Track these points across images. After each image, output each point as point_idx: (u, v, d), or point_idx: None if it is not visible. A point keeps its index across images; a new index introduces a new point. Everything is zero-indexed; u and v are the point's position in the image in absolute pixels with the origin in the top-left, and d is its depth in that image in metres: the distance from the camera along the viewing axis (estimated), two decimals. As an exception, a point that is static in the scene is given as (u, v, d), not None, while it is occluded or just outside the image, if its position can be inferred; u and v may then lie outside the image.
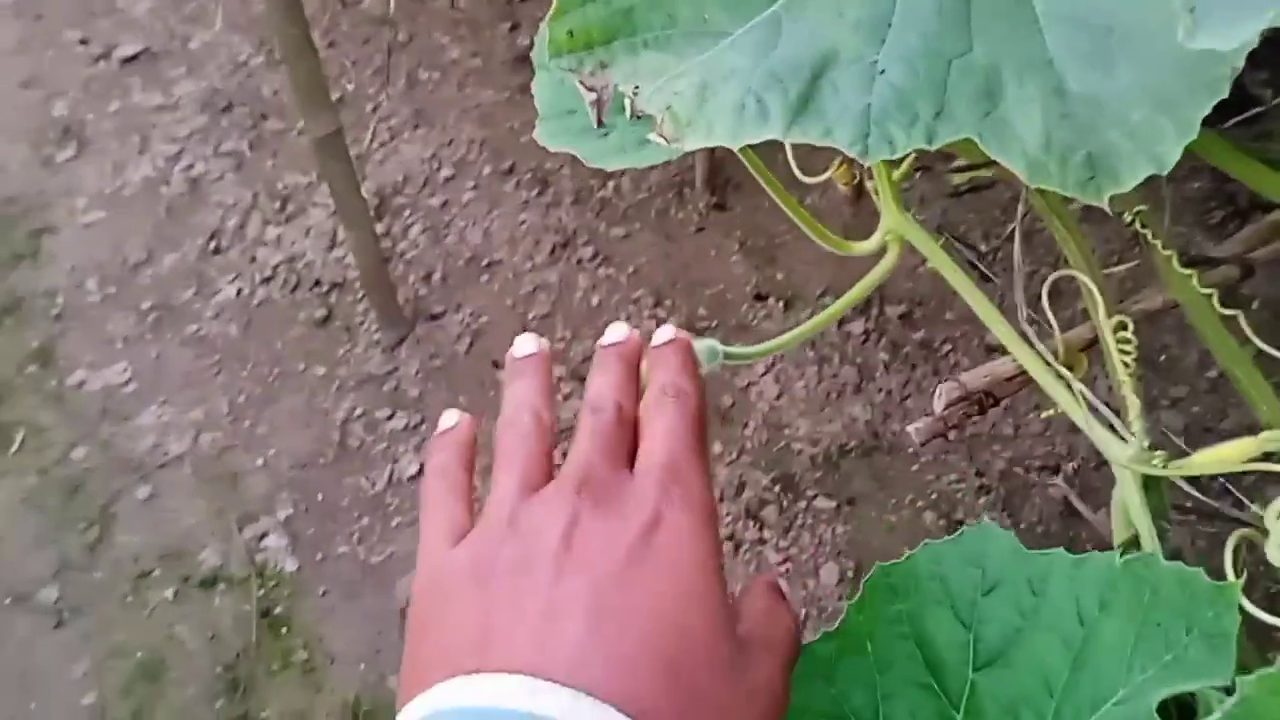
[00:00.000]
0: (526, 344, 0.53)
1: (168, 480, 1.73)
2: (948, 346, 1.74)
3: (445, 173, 2.07)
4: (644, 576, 0.41)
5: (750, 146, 0.49)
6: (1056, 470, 1.56)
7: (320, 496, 1.70)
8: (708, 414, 0.49)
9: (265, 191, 2.04)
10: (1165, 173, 0.47)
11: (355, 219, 1.71)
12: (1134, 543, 0.56)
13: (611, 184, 2.02)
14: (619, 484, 0.44)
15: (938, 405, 0.63)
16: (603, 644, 0.40)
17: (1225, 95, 0.46)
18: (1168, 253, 0.59)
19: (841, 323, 1.81)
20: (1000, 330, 0.56)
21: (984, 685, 0.48)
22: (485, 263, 1.94)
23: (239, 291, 1.92)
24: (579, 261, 1.93)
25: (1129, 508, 0.55)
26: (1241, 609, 0.45)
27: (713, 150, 1.95)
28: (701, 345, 0.61)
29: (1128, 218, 0.58)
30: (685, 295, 1.89)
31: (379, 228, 1.96)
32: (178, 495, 1.71)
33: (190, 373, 1.83)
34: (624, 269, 1.92)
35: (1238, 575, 0.46)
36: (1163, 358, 1.62)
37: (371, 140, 2.11)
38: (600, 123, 0.51)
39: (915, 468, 1.67)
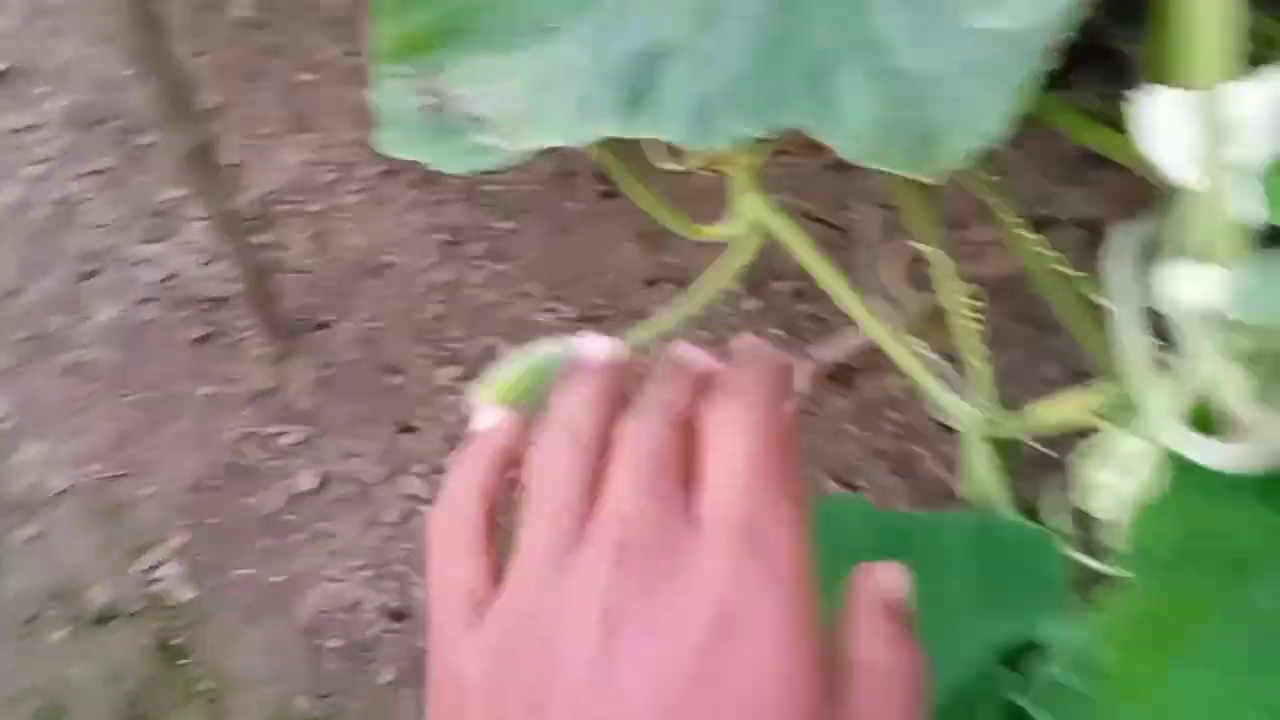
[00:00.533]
0: (591, 346, 0.44)
1: (53, 517, 1.68)
2: (841, 319, 1.76)
3: (328, 177, 2.03)
4: (712, 700, 0.30)
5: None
6: (951, 430, 1.59)
7: (214, 520, 1.67)
8: (797, 446, 0.38)
9: (139, 209, 1.99)
10: (993, 144, 0.48)
11: (230, 231, 1.67)
12: (989, 502, 0.57)
13: (500, 178, 2.00)
14: (674, 545, 0.33)
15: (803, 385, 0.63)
16: None
17: (1051, 65, 0.47)
18: (1014, 219, 0.60)
19: (736, 301, 1.82)
20: (849, 301, 0.57)
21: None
22: (373, 266, 1.91)
23: (116, 314, 1.87)
24: (470, 258, 1.91)
25: (975, 469, 0.56)
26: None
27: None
28: (597, 342, 0.61)
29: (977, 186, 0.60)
30: (579, 285, 1.88)
31: (262, 238, 1.92)
32: (65, 532, 1.66)
33: (70, 403, 1.78)
34: (517, 263, 1.91)
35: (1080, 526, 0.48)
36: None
37: (249, 148, 2.07)
38: (440, 127, 0.50)
39: (815, 438, 1.69)
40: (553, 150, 0.83)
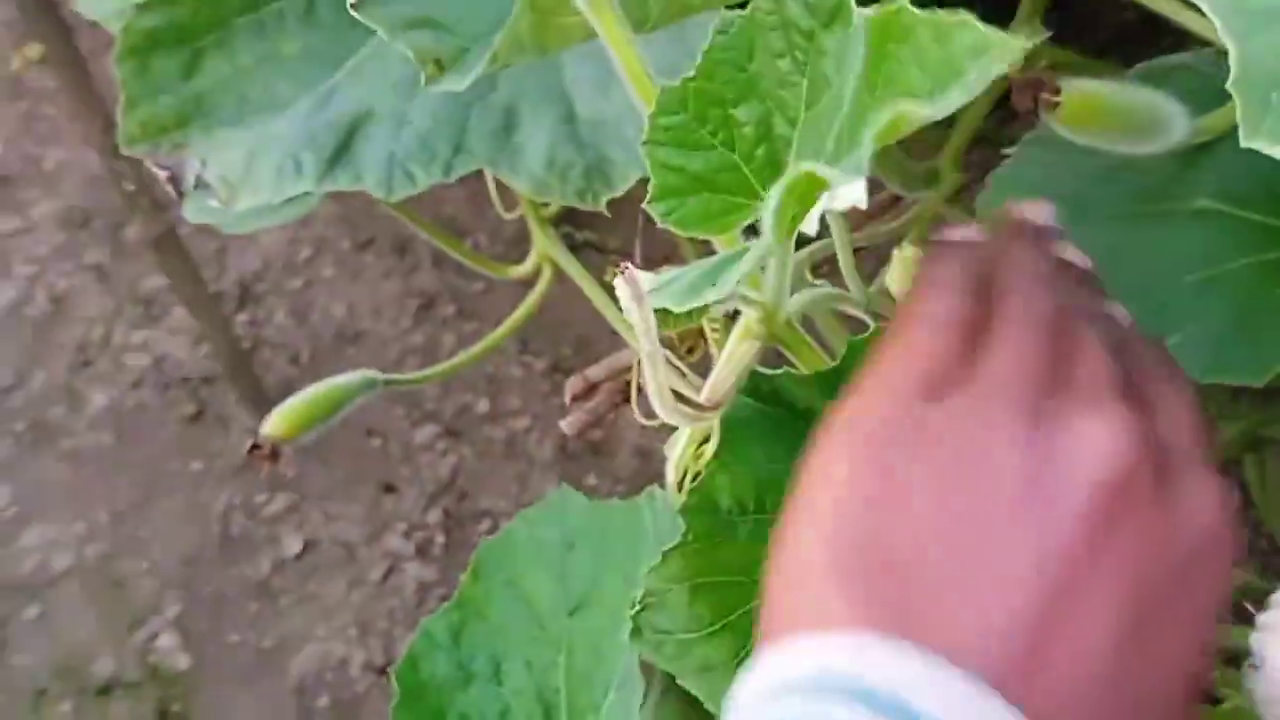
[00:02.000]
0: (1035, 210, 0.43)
1: (56, 596, 1.81)
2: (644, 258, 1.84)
3: (305, 253, 2.17)
4: (1182, 604, 0.34)
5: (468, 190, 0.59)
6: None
7: (207, 590, 1.78)
8: None
9: (128, 298, 2.14)
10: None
11: (205, 312, 1.81)
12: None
13: (468, 242, 2.12)
14: (1161, 444, 0.35)
15: (567, 398, 0.72)
16: (1117, 683, 0.32)
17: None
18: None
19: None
20: (618, 323, 0.66)
21: (577, 628, 0.57)
22: (351, 335, 2.04)
23: (110, 400, 2.01)
24: (443, 320, 2.03)
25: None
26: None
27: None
28: (358, 376, 0.71)
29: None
30: (549, 338, 1.98)
31: (243, 317, 2.06)
32: (68, 610, 1.79)
33: (69, 487, 1.92)
34: (488, 321, 2.02)
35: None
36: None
37: (231, 234, 2.22)
38: (180, 195, 0.61)
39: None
40: (516, 211, 0.93)
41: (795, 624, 0.33)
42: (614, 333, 2.02)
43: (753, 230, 0.41)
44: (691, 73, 0.38)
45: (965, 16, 0.32)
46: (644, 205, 0.40)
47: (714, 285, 0.35)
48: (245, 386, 1.93)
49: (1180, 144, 0.57)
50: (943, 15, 0.32)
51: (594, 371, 0.73)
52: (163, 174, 0.58)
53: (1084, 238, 0.59)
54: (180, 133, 0.60)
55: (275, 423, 0.61)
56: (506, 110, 0.58)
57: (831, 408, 0.37)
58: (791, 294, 0.61)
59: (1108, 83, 0.55)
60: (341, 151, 0.57)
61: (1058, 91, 0.52)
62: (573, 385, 0.73)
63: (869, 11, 0.35)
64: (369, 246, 2.13)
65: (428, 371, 0.72)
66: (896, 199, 0.84)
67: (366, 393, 0.69)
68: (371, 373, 0.69)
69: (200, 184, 0.58)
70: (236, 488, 1.88)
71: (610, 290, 0.67)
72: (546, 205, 0.76)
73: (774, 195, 0.34)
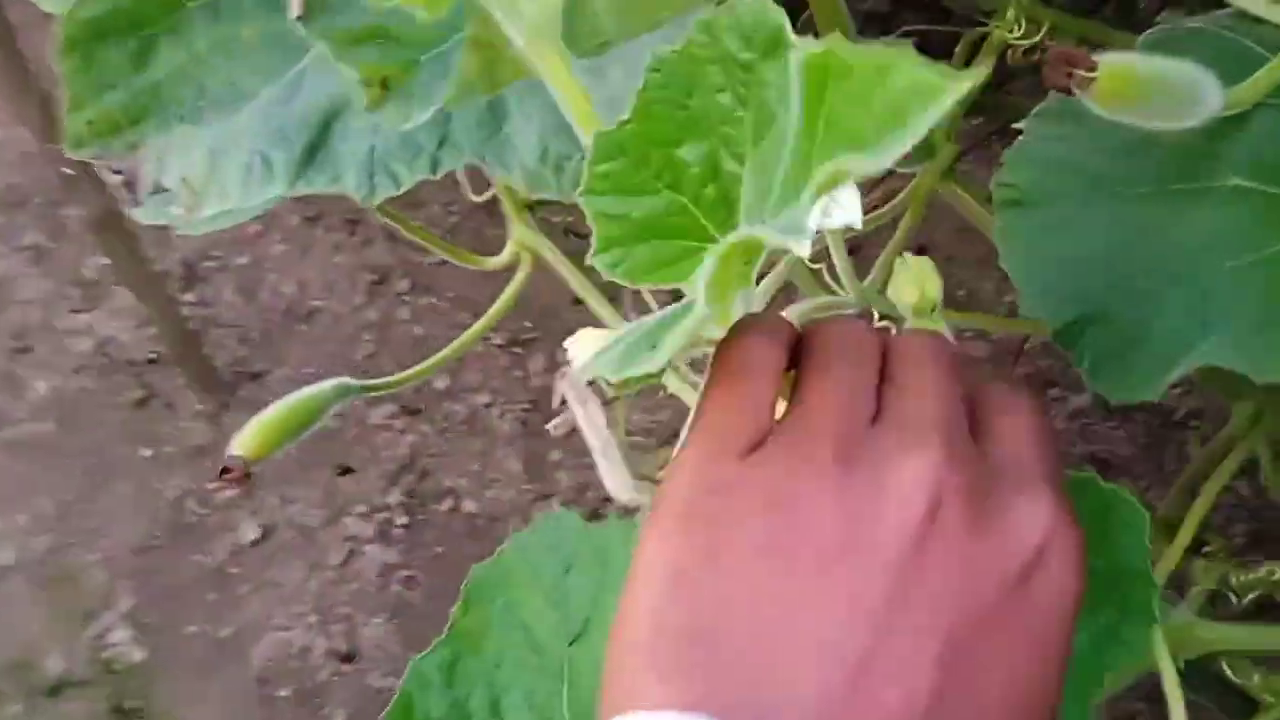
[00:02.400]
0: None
1: (2, 593, 1.74)
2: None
3: (252, 228, 2.09)
4: (1008, 630, 0.34)
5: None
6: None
7: (161, 581, 1.73)
8: None
9: (69, 280, 2.06)
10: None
11: (150, 292, 1.74)
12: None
13: (422, 213, 2.06)
14: (989, 471, 0.35)
15: (555, 400, 0.68)
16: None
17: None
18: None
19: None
20: (607, 315, 0.62)
21: (580, 656, 0.54)
22: (303, 313, 1.97)
23: (53, 387, 1.93)
24: (398, 295, 1.97)
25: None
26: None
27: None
28: (331, 385, 0.66)
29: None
30: (510, 310, 1.93)
31: (189, 296, 1.99)
32: (15, 606, 1.73)
33: (13, 478, 1.85)
34: (444, 295, 1.96)
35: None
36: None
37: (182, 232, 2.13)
38: (139, 203, 0.56)
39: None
40: (477, 179, 0.88)
41: (615, 706, 0.33)
42: (577, 302, 1.98)
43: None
44: (627, 115, 0.35)
45: (904, 51, 0.29)
46: (588, 260, 0.36)
47: (653, 350, 0.31)
48: (194, 369, 1.86)
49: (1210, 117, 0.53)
50: (882, 51, 0.29)
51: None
52: (115, 178, 0.53)
53: (1111, 216, 0.56)
54: (134, 131, 0.54)
55: (245, 442, 0.57)
56: (491, 100, 0.54)
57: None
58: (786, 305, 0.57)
59: (1141, 56, 0.51)
60: (315, 148, 0.53)
61: (1093, 68, 0.48)
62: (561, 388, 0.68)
63: (805, 49, 0.31)
64: (319, 220, 2.06)
65: (402, 375, 0.68)
66: (889, 172, 0.80)
67: (342, 400, 0.65)
68: (346, 380, 0.64)
69: (158, 188, 0.52)
70: (188, 474, 1.81)
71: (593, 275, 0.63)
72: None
73: (706, 265, 0.31)
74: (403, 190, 0.52)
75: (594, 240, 0.37)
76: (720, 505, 0.35)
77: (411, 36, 0.36)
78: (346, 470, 1.80)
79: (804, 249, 0.29)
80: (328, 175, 0.52)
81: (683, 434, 0.40)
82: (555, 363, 1.88)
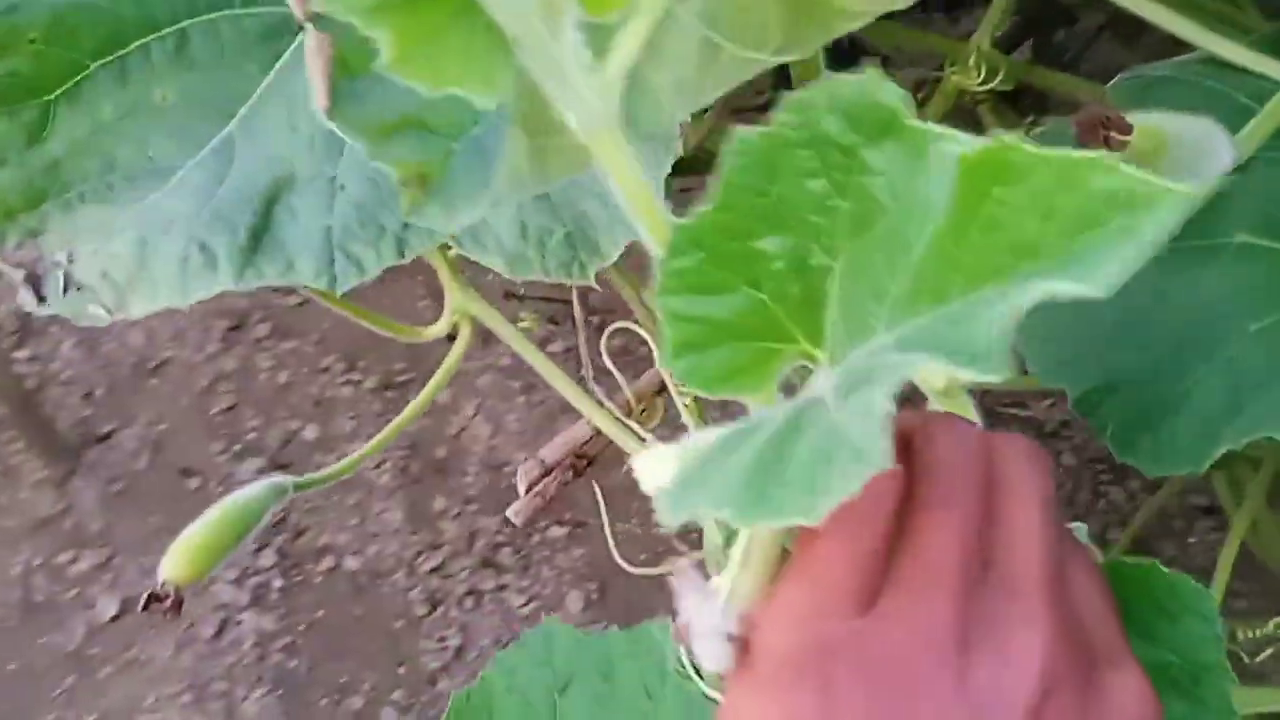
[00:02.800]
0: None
1: None
2: (644, 349, 1.77)
3: (89, 275, 1.95)
4: None
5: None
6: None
7: (12, 666, 1.58)
8: None
9: (-119, 339, 1.87)
10: (641, 238, 0.47)
11: (-18, 354, 1.59)
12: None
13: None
14: (1084, 641, 0.35)
15: (521, 487, 0.63)
16: None
17: (680, 154, 0.47)
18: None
19: (542, 345, 1.81)
20: (569, 392, 0.57)
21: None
22: (153, 365, 1.84)
23: (-128, 460, 1.75)
24: (257, 341, 1.86)
25: (713, 544, 0.56)
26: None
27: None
28: (264, 487, 0.59)
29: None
30: (379, 352, 1.84)
31: (24, 352, 1.83)
32: None
33: None
34: (309, 339, 1.86)
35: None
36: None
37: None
38: (43, 300, 0.47)
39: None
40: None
41: None
42: (449, 339, 1.90)
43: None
44: (707, 205, 0.30)
45: (1101, 155, 0.25)
46: (661, 369, 0.31)
47: (811, 490, 0.25)
48: (34, 431, 1.71)
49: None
50: (1071, 154, 0.25)
51: (549, 453, 0.63)
52: (17, 274, 0.45)
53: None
54: (30, 215, 0.46)
55: (175, 566, 0.49)
56: (457, 168, 0.47)
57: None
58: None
59: (1165, 114, 0.49)
60: (260, 232, 0.45)
61: (1128, 130, 0.45)
62: (527, 472, 0.62)
63: (960, 144, 0.27)
64: (163, 264, 1.93)
65: (340, 465, 0.60)
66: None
67: (278, 503, 0.57)
68: (278, 479, 0.57)
69: (72, 284, 0.44)
70: (35, 547, 1.66)
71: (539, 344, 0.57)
72: (449, 247, 0.65)
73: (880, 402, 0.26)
74: (369, 278, 0.46)
75: (667, 345, 0.31)
76: (831, 669, 0.33)
77: (443, 122, 0.30)
78: (213, 532, 1.68)
79: (998, 369, 0.24)
80: (279, 264, 0.45)
81: (756, 555, 0.35)
82: (432, 406, 1.80)
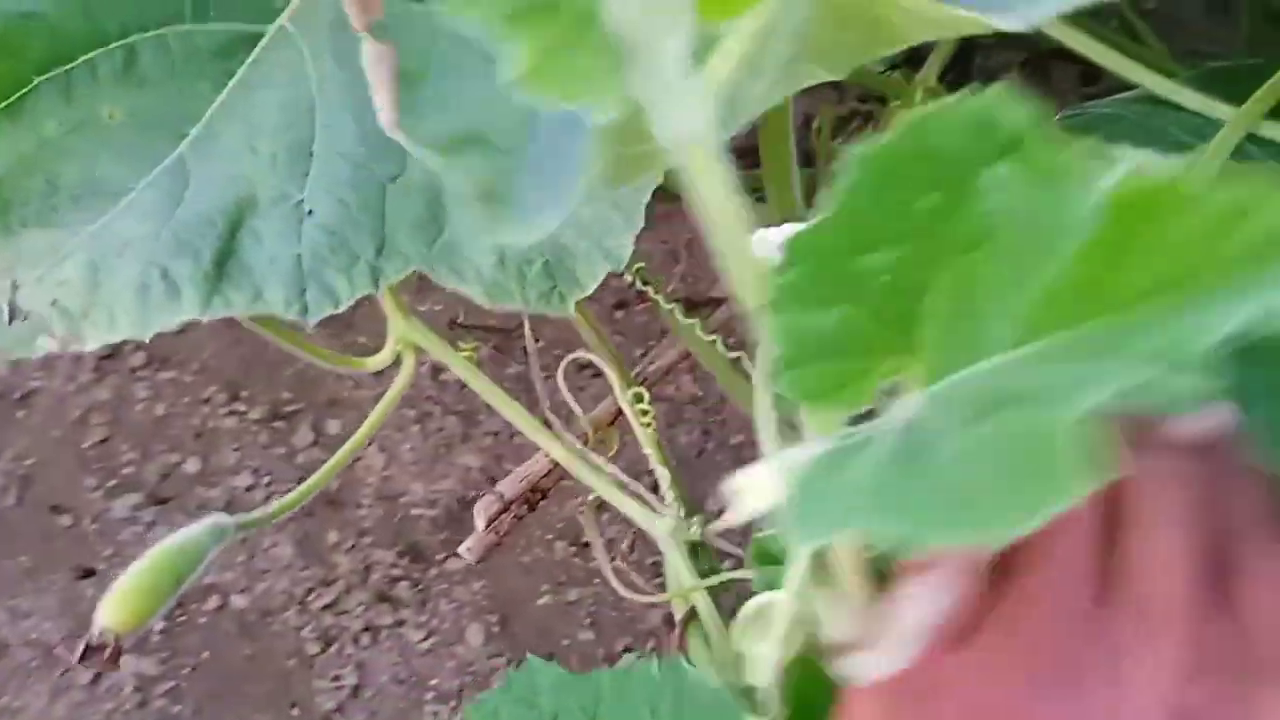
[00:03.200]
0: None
1: None
2: (545, 374, 1.75)
3: (-53, 302, 1.84)
4: None
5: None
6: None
7: None
8: None
9: None
10: (620, 268, 0.46)
11: None
12: (694, 613, 0.57)
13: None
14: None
15: (480, 523, 0.61)
16: None
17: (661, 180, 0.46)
18: (669, 306, 0.60)
19: (436, 373, 1.77)
20: (525, 425, 0.55)
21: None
22: (19, 395, 1.74)
23: None
24: (133, 370, 1.78)
25: (679, 579, 0.55)
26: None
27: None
28: (203, 528, 0.55)
29: (628, 277, 0.59)
30: (264, 380, 1.78)
31: (-126, 384, 1.72)
32: None
33: None
34: (187, 367, 1.78)
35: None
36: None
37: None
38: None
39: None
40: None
41: None
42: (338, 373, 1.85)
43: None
44: (817, 219, 0.29)
45: (1266, 189, 0.25)
46: (771, 379, 0.30)
47: (1015, 507, 0.25)
48: (-111, 469, 1.61)
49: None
50: (1240, 190, 0.26)
51: (506, 486, 0.61)
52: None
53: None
54: (-30, 238, 0.43)
55: (112, 614, 0.46)
56: (428, 192, 0.46)
57: None
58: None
59: (1130, 150, 0.50)
60: (225, 257, 0.43)
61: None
62: (486, 508, 0.60)
63: (1111, 178, 0.27)
64: (29, 290, 1.83)
65: (283, 501, 0.58)
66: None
67: (218, 545, 0.54)
68: (220, 519, 0.54)
69: (19, 313, 0.41)
70: (-107, 592, 1.56)
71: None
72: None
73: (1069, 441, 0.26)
74: (343, 309, 0.43)
75: (778, 359, 0.31)
76: (937, 708, 0.32)
77: (503, 136, 0.28)
78: (88, 573, 1.59)
79: (1209, 379, 0.24)
80: (247, 291, 0.42)
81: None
82: (321, 434, 1.74)
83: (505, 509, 0.61)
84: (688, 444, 1.67)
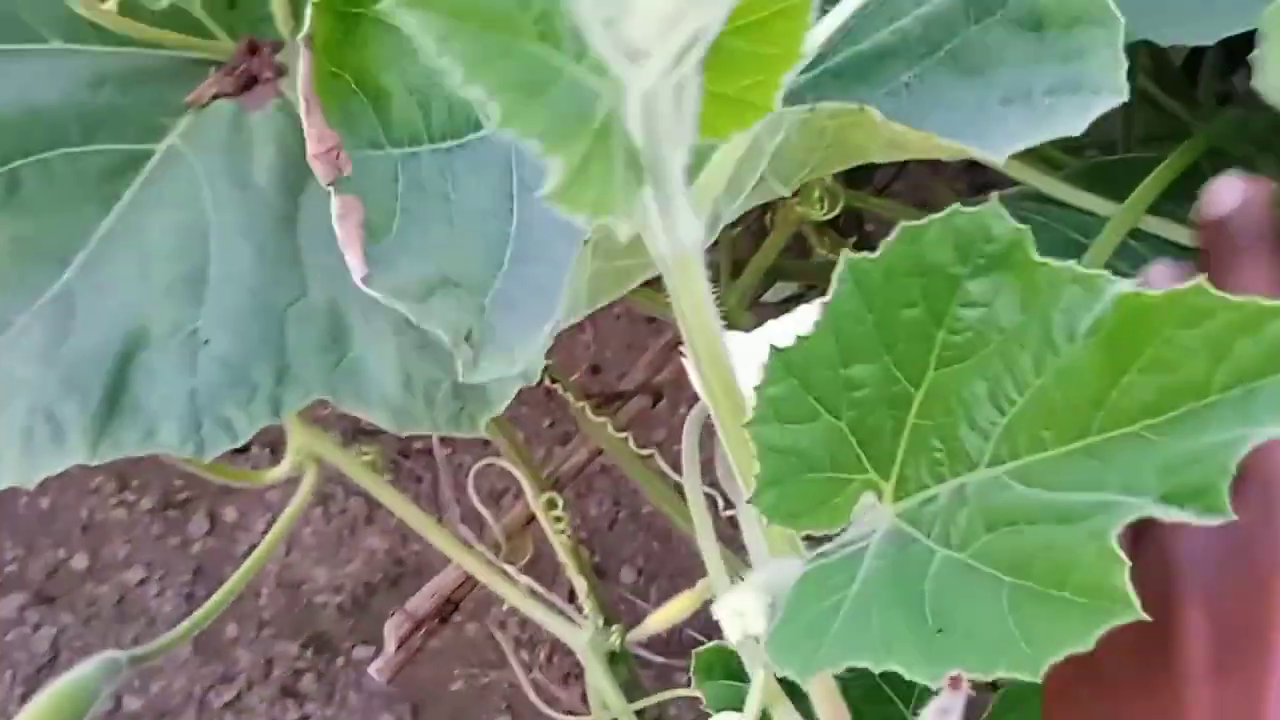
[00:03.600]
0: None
1: None
2: (447, 449, 1.72)
3: None
4: None
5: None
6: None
7: None
8: None
9: None
10: (534, 381, 0.45)
11: None
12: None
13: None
14: None
15: (390, 645, 0.59)
16: None
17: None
18: (579, 404, 0.59)
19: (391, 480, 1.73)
20: (436, 537, 0.53)
21: None
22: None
23: None
24: None
25: (600, 689, 0.54)
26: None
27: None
28: (95, 664, 0.53)
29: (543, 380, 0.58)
30: (156, 468, 1.72)
31: None
32: None
33: None
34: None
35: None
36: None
37: None
38: None
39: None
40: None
41: None
42: (236, 452, 1.80)
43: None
44: (805, 331, 0.29)
45: (1272, 303, 0.26)
46: (748, 502, 0.30)
47: (1032, 643, 0.25)
48: None
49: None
50: (1258, 299, 0.26)
51: (417, 603, 0.59)
52: None
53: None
54: None
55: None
56: (330, 314, 0.44)
57: None
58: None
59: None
60: (116, 395, 0.40)
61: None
62: (397, 627, 0.58)
63: (1120, 286, 0.27)
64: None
65: (172, 635, 0.55)
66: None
67: (110, 681, 0.51)
68: (111, 654, 0.51)
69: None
70: None
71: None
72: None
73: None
74: (240, 443, 0.42)
75: (758, 478, 0.30)
76: None
77: (468, 277, 0.28)
78: (-30, 680, 1.52)
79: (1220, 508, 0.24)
80: (139, 431, 0.40)
81: None
82: (217, 523, 1.69)
83: (417, 627, 0.59)
84: (599, 515, 1.66)
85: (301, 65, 0.31)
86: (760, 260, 0.65)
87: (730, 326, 0.32)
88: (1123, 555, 0.25)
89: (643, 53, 0.20)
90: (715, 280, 0.29)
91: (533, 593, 0.54)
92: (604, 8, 0.20)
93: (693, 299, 0.27)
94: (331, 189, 0.27)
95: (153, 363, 0.42)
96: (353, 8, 0.34)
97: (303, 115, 0.31)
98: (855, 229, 0.84)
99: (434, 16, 0.18)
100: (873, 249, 0.30)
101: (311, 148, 0.30)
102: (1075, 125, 0.33)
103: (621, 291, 0.31)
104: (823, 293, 0.31)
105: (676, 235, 0.25)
